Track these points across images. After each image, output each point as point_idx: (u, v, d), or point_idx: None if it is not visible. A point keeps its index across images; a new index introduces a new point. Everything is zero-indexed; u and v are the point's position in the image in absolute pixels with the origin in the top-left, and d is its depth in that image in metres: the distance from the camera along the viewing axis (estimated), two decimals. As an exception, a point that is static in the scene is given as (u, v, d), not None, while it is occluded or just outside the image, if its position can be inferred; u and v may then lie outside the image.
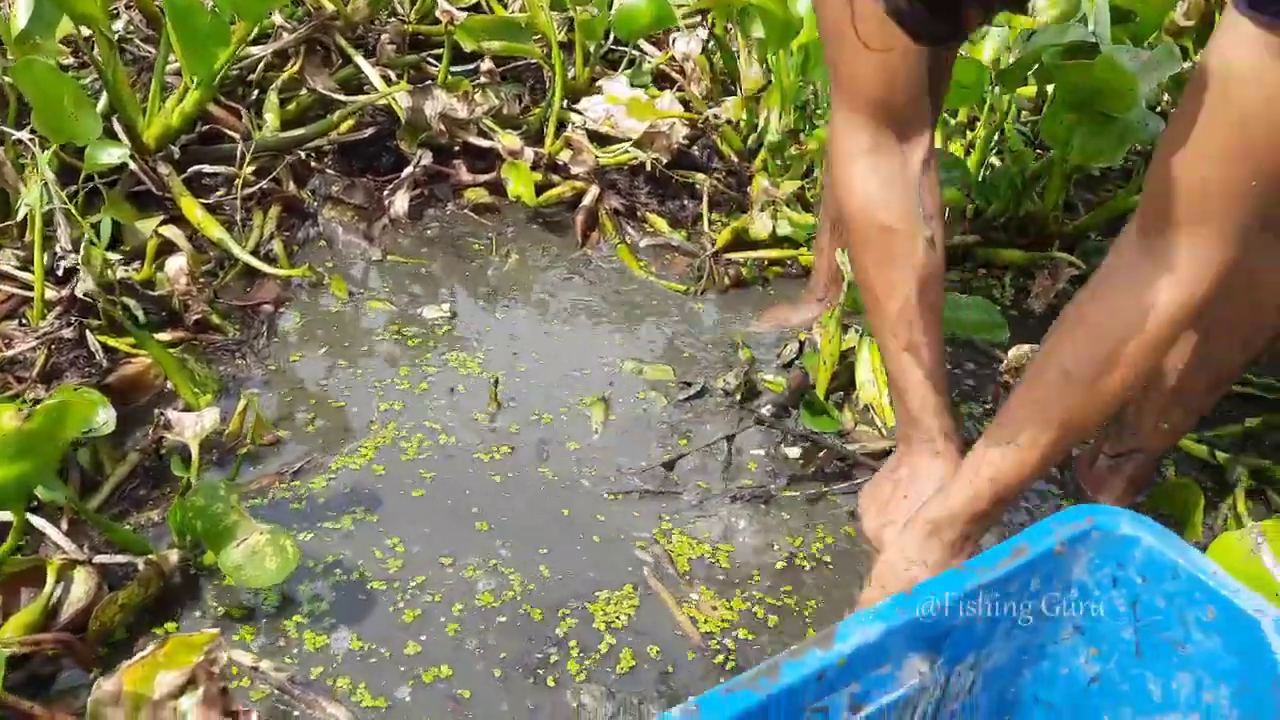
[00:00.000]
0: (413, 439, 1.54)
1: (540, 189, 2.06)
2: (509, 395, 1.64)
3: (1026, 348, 1.66)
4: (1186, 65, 2.14)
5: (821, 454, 1.57)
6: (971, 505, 1.23)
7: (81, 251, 1.48)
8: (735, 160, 2.21)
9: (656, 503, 1.48)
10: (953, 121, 2.20)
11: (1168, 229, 1.08)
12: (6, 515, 1.14)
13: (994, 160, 2.16)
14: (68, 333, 1.50)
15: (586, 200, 2.05)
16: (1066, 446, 1.23)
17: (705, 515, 1.47)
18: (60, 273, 1.57)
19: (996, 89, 2.03)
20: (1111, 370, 1.13)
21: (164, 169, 1.82)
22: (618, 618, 1.31)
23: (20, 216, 1.64)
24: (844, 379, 1.66)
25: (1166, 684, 0.88)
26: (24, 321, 1.56)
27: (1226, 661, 0.83)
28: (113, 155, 1.61)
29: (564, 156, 2.10)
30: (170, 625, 1.21)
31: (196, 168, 1.87)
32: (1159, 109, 2.32)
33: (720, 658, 1.27)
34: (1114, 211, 1.98)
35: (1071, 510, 0.89)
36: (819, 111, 2.11)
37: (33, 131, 1.62)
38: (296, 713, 1.13)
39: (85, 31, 1.81)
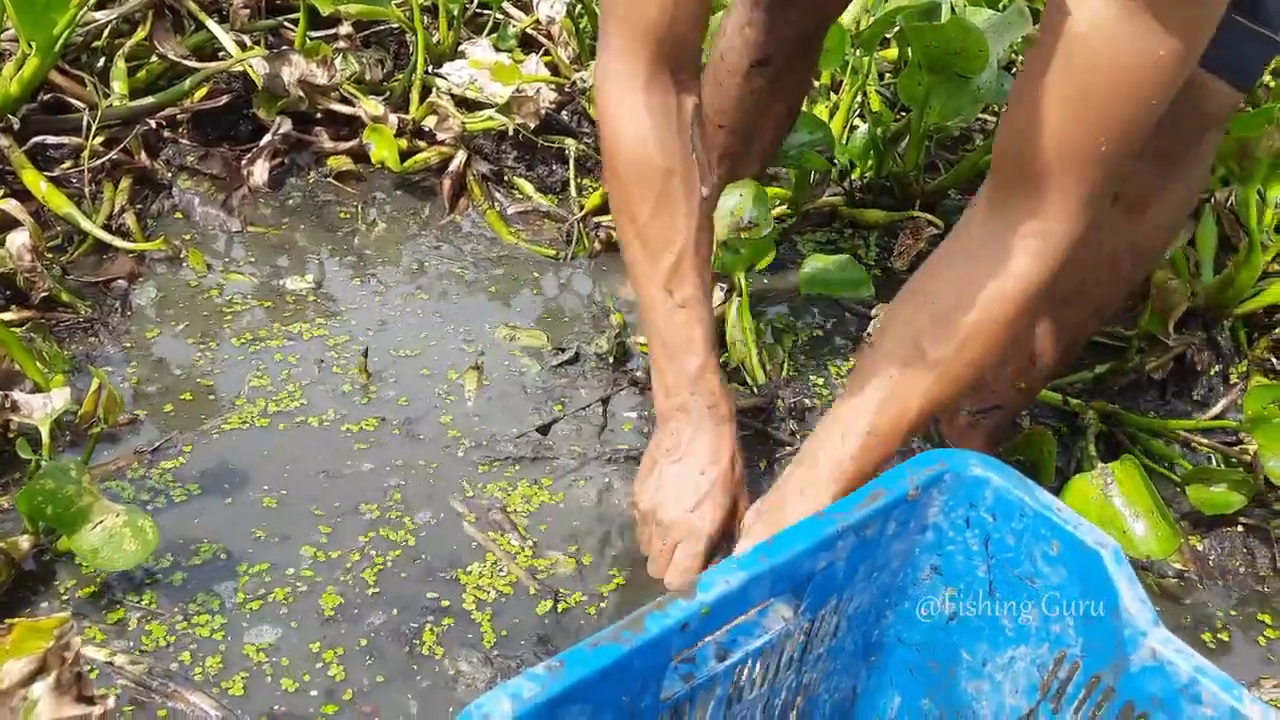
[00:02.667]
0: (278, 414, 1.50)
1: (405, 155, 2.02)
2: (378, 366, 1.61)
3: (891, 306, 1.70)
4: (1037, 26, 2.21)
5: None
6: (832, 481, 1.15)
7: (-88, 228, 1.40)
8: (603, 124, 2.20)
9: (532, 469, 1.48)
10: (817, 84, 2.23)
11: (1015, 197, 1.04)
12: None
13: (857, 122, 2.20)
14: (-98, 314, 1.43)
15: (453, 166, 2.02)
16: (924, 421, 1.16)
17: (581, 479, 1.47)
18: (-109, 251, 1.49)
19: (857, 51, 2.06)
20: (965, 350, 1.09)
21: (4, 140, 1.74)
22: (491, 586, 1.30)
23: None
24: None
25: (1017, 618, 0.92)
26: None
27: (1071, 592, 0.87)
28: (-57, 126, 1.52)
29: (429, 122, 2.07)
30: (24, 615, 1.17)
31: (40, 139, 1.79)
32: (1013, 70, 2.39)
33: (599, 619, 1.28)
34: (971, 170, 2.03)
35: (924, 455, 0.92)
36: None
37: None
38: (158, 702, 1.11)
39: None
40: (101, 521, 1.11)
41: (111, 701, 0.84)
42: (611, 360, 1.67)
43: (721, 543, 1.27)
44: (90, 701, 0.84)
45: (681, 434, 1.23)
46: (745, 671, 0.87)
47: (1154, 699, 0.82)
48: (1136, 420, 1.59)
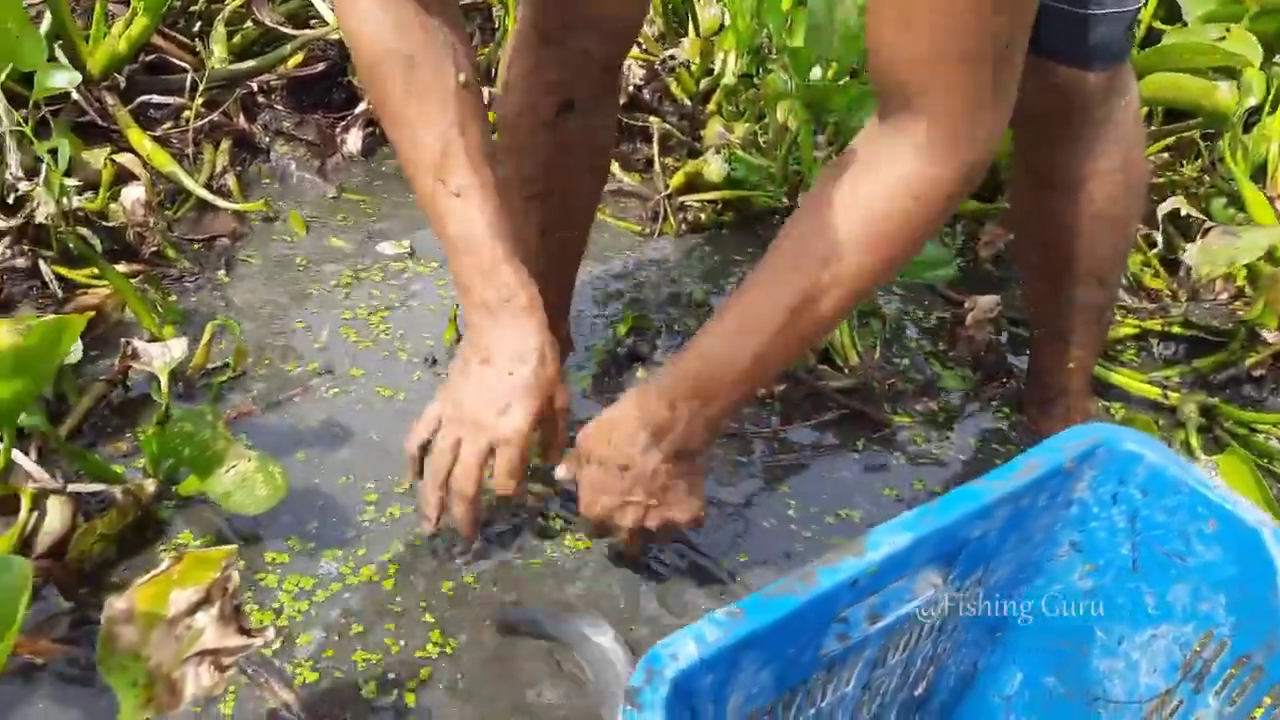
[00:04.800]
0: (376, 372, 1.52)
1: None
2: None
3: (993, 298, 1.69)
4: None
5: (781, 388, 1.59)
6: (684, 389, 1.10)
7: (42, 176, 1.42)
8: (687, 103, 2.21)
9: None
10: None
11: (893, 107, 0.97)
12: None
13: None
14: (20, 262, 1.45)
15: (543, 141, 2.03)
16: (790, 344, 1.07)
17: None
18: (10, 201, 1.50)
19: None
20: (846, 254, 1.01)
21: (110, 99, 1.76)
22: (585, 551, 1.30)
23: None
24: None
25: (1162, 596, 0.92)
26: (-28, 251, 1.50)
27: (1225, 571, 0.87)
28: (62, 79, 1.53)
29: (519, 96, 2.07)
30: (130, 562, 1.18)
31: (144, 98, 1.81)
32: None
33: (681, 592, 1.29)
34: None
35: (1078, 429, 0.92)
36: (773, 55, 2.12)
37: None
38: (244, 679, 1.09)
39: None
40: (235, 466, 1.12)
41: (271, 633, 0.86)
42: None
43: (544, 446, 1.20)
44: (249, 634, 0.86)
45: (485, 333, 1.13)
46: (892, 636, 0.87)
47: (1309, 679, 0.82)
48: (1236, 414, 1.58)
